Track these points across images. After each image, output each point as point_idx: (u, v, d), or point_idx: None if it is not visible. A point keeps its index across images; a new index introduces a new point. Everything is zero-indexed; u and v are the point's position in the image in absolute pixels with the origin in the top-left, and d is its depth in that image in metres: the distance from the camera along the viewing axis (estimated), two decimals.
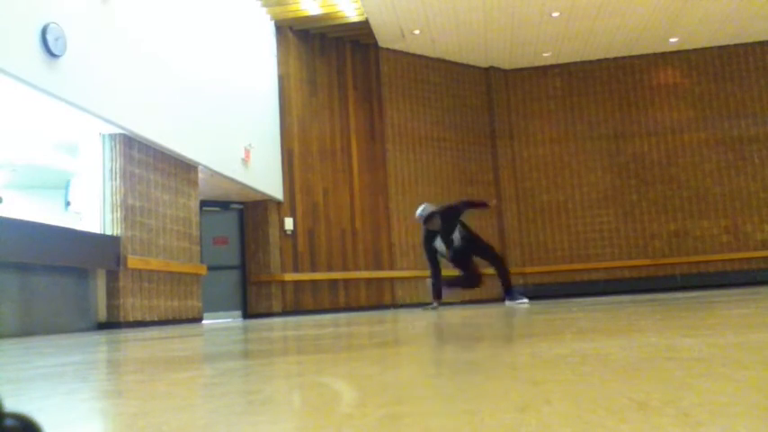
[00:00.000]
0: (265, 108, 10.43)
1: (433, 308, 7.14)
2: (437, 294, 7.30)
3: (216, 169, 8.52)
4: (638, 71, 12.99)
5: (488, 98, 13.13)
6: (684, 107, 12.77)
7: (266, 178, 10.12)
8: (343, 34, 11.50)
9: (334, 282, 10.93)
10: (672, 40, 12.37)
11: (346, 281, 11.09)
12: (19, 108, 6.03)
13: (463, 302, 10.43)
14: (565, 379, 0.93)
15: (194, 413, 0.87)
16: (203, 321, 8.19)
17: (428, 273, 7.47)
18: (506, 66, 13.14)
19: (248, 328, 4.41)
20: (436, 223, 7.20)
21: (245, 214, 10.63)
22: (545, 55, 12.73)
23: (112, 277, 6.63)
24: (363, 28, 11.14)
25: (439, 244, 7.26)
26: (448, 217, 7.31)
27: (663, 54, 12.89)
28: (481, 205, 8.47)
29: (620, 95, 12.99)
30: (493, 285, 12.62)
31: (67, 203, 8.18)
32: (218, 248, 10.36)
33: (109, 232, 6.65)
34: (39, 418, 0.55)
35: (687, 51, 12.82)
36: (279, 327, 4.37)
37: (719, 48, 12.74)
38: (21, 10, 5.27)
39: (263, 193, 10.07)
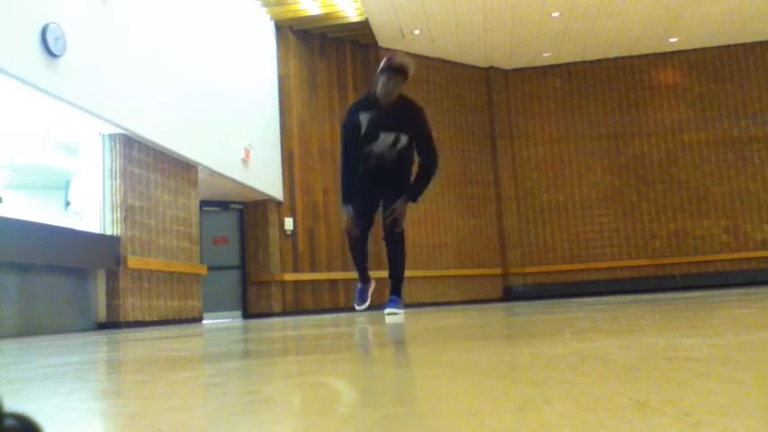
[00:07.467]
0: (265, 108, 10.43)
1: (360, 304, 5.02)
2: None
3: (216, 169, 8.53)
4: (638, 71, 12.98)
5: (488, 98, 13.12)
6: (684, 107, 12.77)
7: (266, 178, 10.12)
8: (342, 34, 11.49)
9: (334, 282, 10.92)
10: (672, 40, 12.37)
11: (346, 281, 11.06)
12: (19, 108, 6.04)
13: (461, 303, 10.43)
14: (565, 379, 0.92)
15: (194, 413, 0.87)
16: (203, 321, 8.19)
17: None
18: (506, 66, 13.13)
19: (248, 329, 4.41)
20: (388, 92, 4.31)
21: (245, 214, 10.63)
22: (545, 55, 12.72)
23: (112, 277, 6.63)
24: (363, 28, 11.14)
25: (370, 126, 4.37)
26: (402, 109, 4.40)
27: (663, 54, 12.89)
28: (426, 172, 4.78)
29: (620, 95, 12.98)
30: (492, 284, 12.69)
31: (67, 203, 8.17)
32: (218, 248, 10.36)
33: (109, 232, 6.65)
34: (39, 418, 0.55)
35: (687, 51, 12.81)
36: (279, 327, 4.37)
37: (719, 48, 12.73)
38: (21, 10, 5.27)
39: (263, 193, 10.07)
